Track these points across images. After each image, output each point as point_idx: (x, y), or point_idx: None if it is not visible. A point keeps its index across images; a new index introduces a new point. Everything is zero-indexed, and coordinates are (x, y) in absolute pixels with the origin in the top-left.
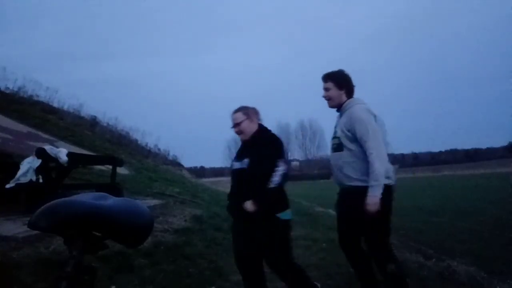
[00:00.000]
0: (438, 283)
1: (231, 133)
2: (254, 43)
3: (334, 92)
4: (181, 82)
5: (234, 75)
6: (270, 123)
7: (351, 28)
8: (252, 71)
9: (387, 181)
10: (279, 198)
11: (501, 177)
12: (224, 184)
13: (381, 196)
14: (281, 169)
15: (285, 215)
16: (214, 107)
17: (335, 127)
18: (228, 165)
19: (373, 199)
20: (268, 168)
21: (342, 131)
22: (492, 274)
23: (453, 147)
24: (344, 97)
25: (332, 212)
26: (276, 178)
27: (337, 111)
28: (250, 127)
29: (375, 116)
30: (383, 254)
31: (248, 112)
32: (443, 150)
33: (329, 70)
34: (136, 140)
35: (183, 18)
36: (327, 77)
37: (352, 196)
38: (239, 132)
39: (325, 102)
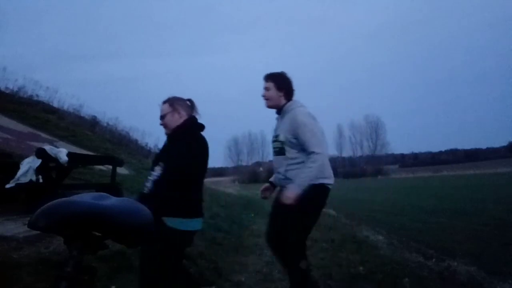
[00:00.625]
0: (438, 283)
1: (231, 133)
2: (254, 43)
3: (273, 92)
4: (181, 81)
5: (233, 74)
6: (270, 124)
7: (350, 28)
8: (252, 70)
9: (325, 181)
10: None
11: (501, 176)
12: (225, 184)
13: (314, 194)
14: (155, 174)
15: (174, 223)
16: (214, 106)
17: (276, 129)
18: (229, 165)
19: (291, 194)
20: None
21: (286, 137)
22: (492, 274)
23: (453, 147)
24: (282, 100)
25: (332, 212)
26: (147, 183)
27: (277, 113)
28: (173, 121)
29: (314, 120)
30: (298, 251)
31: (174, 103)
32: (443, 150)
33: (326, 69)
34: (136, 140)
35: (184, 18)
36: (268, 77)
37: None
38: (163, 125)
39: (324, 103)
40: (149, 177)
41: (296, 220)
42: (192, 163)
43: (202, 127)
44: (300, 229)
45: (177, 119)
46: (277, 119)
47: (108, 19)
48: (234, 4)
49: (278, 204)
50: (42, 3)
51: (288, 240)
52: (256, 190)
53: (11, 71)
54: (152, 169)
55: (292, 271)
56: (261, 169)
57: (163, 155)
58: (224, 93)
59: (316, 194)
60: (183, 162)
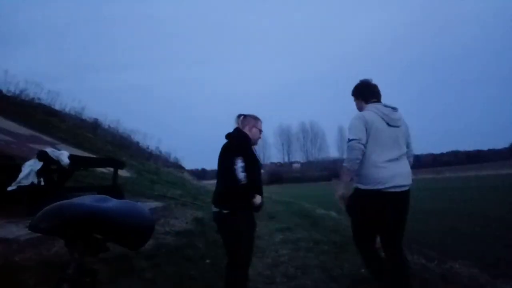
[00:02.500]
0: (440, 285)
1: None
2: (257, 49)
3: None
4: (185, 87)
5: (236, 78)
6: (272, 126)
7: (352, 31)
8: (254, 75)
9: (377, 186)
10: None
11: (503, 178)
12: None
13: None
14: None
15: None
16: (214, 108)
17: None
18: None
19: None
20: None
21: None
22: (495, 276)
23: (454, 148)
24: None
25: (334, 214)
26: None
27: None
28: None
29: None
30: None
31: None
32: (444, 151)
33: (329, 74)
34: (138, 143)
35: (189, 31)
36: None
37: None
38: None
39: (325, 105)
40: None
41: (358, 224)
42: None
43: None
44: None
45: None
46: None
47: (124, 32)
48: (239, 17)
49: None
50: (64, 20)
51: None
52: None
53: (13, 74)
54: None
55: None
56: (262, 171)
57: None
58: (225, 95)
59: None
60: None
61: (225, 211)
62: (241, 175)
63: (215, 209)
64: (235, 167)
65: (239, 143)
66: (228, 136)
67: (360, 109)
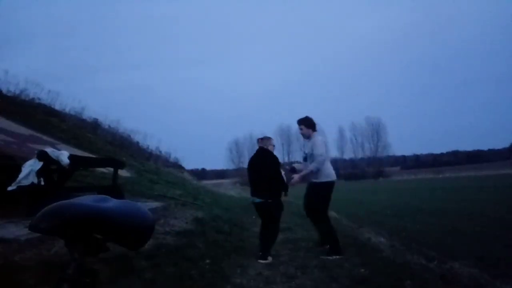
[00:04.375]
0: (440, 285)
1: (232, 135)
2: (258, 49)
3: (305, 130)
4: (185, 87)
5: (236, 78)
6: (272, 126)
7: (353, 31)
8: (255, 75)
9: (328, 179)
10: None
11: (503, 178)
12: (226, 186)
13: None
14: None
15: None
16: (215, 108)
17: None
18: (230, 167)
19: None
20: None
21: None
22: (495, 276)
23: (454, 148)
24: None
25: (334, 213)
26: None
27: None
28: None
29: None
30: (320, 217)
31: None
32: (444, 151)
33: (329, 74)
34: (138, 143)
35: (197, 31)
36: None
37: (312, 185)
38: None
39: (325, 105)
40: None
41: (319, 199)
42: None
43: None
44: (322, 206)
45: None
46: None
47: (124, 32)
48: (241, 17)
49: (310, 192)
50: (64, 20)
51: (316, 207)
52: None
53: (13, 74)
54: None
55: (321, 226)
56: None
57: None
58: (226, 95)
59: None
60: None
61: (269, 200)
62: (284, 178)
63: (258, 200)
64: (281, 174)
65: (274, 159)
66: (262, 151)
67: (307, 134)
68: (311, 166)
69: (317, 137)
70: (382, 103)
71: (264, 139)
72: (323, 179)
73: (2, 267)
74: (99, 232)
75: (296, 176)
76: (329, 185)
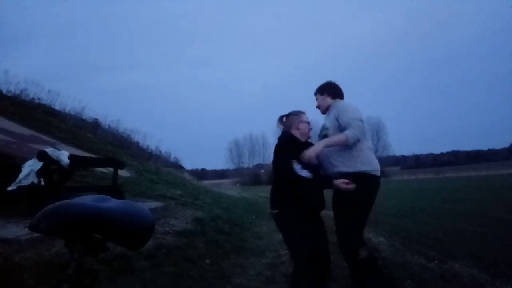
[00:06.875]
0: (440, 285)
1: (232, 135)
2: (259, 49)
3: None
4: (186, 87)
5: (237, 78)
6: (273, 125)
7: (353, 30)
8: (255, 74)
9: (368, 168)
10: None
11: (503, 178)
12: (226, 186)
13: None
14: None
15: None
16: (215, 108)
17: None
18: (230, 167)
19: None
20: None
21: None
22: (495, 276)
23: (454, 148)
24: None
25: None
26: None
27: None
28: None
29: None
30: (354, 244)
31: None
32: (444, 151)
33: (329, 74)
34: (138, 143)
35: (198, 32)
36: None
37: (338, 193)
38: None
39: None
40: None
41: (351, 212)
42: None
43: None
44: (355, 223)
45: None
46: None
47: (124, 32)
48: (243, 18)
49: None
50: (64, 20)
51: (343, 235)
52: (257, 192)
53: (13, 74)
54: None
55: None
56: (262, 171)
57: None
58: (226, 96)
59: (363, 184)
60: None
61: (274, 211)
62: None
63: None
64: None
65: (284, 148)
66: (280, 139)
67: (325, 105)
68: (343, 134)
69: (343, 103)
70: (382, 103)
71: (290, 117)
72: (363, 167)
73: (2, 267)
74: (99, 232)
75: (311, 149)
76: (374, 180)
